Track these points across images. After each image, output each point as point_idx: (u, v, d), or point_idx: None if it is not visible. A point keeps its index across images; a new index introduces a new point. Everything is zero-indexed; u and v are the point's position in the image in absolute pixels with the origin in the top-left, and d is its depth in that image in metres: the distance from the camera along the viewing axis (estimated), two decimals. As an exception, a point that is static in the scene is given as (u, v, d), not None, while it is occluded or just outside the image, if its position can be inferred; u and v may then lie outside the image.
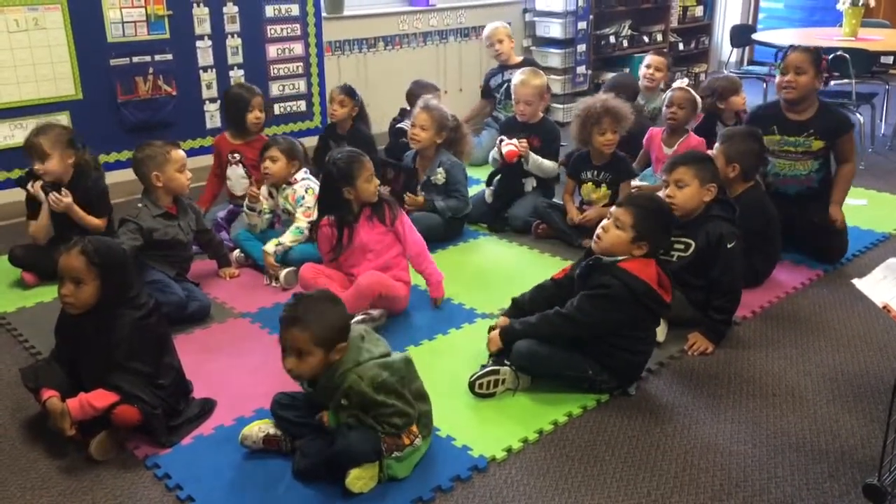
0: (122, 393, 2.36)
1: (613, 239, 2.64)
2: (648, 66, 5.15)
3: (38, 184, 3.56)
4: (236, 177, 4.18)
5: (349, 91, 4.64)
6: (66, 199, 3.51)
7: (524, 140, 4.19)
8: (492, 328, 2.84)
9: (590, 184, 4.08)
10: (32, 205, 3.62)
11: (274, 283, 3.62)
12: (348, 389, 2.21)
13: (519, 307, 2.93)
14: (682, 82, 4.39)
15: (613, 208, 2.72)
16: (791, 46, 3.87)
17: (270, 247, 3.62)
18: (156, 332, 2.52)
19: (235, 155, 4.19)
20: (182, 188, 3.43)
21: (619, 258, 2.64)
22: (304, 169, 3.87)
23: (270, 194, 3.84)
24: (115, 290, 2.43)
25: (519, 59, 5.62)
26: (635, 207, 2.66)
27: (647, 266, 2.64)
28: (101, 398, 2.35)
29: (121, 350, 2.39)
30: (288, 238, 3.65)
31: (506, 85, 5.22)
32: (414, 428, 2.33)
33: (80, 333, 2.46)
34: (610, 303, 2.60)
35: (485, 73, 5.84)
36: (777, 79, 3.80)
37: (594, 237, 2.72)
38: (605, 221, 2.70)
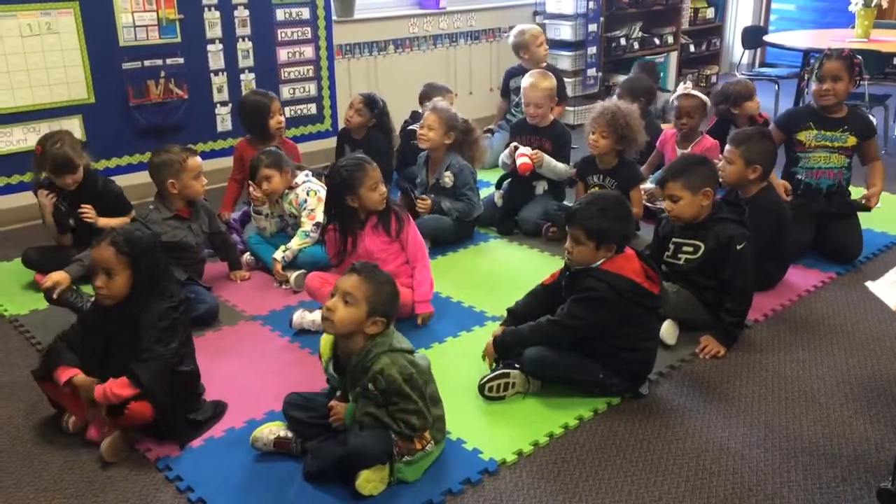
0: (140, 387, 2.35)
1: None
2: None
3: (52, 197, 3.60)
4: None
5: (370, 102, 4.60)
6: (92, 212, 3.61)
7: (537, 150, 4.18)
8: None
9: (596, 188, 4.06)
10: (58, 215, 3.62)
11: (284, 286, 3.63)
12: (378, 373, 2.22)
13: (515, 316, 2.91)
14: (686, 88, 4.28)
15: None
16: (825, 54, 3.87)
17: (279, 254, 3.63)
18: (183, 326, 2.54)
19: None
20: (197, 195, 3.46)
21: (600, 261, 2.64)
22: (306, 171, 3.88)
23: (276, 201, 3.85)
24: (146, 279, 2.46)
25: (544, 64, 5.56)
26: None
27: (628, 261, 2.65)
28: (122, 387, 2.34)
29: (149, 334, 2.40)
30: (295, 243, 3.66)
31: None
32: (427, 434, 2.33)
33: (111, 323, 2.48)
34: (598, 304, 2.60)
35: (505, 71, 5.77)
36: (814, 87, 3.88)
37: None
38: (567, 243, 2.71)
